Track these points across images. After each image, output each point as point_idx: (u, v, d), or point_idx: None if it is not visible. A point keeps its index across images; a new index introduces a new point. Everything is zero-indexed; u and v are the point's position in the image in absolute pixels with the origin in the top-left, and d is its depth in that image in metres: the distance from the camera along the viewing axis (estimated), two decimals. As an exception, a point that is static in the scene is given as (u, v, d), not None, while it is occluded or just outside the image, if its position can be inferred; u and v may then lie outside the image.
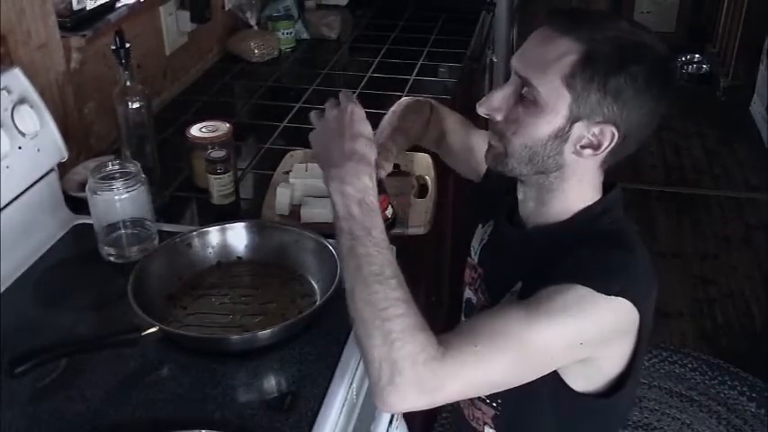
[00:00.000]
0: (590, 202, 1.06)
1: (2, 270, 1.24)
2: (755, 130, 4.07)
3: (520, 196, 1.11)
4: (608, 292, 0.94)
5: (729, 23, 4.41)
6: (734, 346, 2.67)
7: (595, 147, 1.00)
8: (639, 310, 0.97)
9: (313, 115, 1.06)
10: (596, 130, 0.99)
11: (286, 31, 2.40)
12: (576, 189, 1.05)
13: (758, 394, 2.45)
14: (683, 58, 4.72)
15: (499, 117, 1.03)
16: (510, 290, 1.06)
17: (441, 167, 1.60)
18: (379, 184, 1.14)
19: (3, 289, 1.24)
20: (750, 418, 2.37)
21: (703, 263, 3.11)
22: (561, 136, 0.99)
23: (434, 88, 2.09)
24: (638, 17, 4.88)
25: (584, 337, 0.95)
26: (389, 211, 1.16)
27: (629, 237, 1.04)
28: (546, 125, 0.99)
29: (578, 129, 0.99)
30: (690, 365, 2.57)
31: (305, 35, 2.50)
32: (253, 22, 2.31)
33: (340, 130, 1.00)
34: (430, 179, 1.56)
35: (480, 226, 1.24)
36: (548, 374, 0.98)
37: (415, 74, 2.20)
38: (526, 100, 1.00)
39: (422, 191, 1.53)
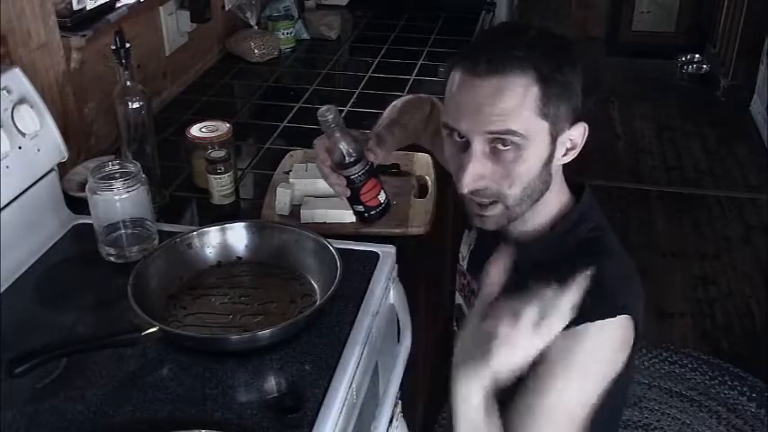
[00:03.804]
0: (563, 201, 1.07)
1: (2, 270, 1.24)
2: (755, 130, 4.06)
3: None
4: (614, 313, 0.96)
5: (729, 23, 4.41)
6: (734, 346, 2.67)
7: (574, 147, 1.03)
8: (635, 318, 1.00)
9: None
10: (571, 134, 1.01)
11: (286, 31, 2.40)
12: (554, 192, 1.06)
13: (758, 394, 2.45)
14: (683, 58, 4.72)
15: (483, 184, 1.00)
16: None
17: (441, 167, 1.60)
18: (371, 169, 1.15)
19: (3, 289, 1.24)
20: (750, 418, 2.37)
21: (703, 263, 3.11)
22: (549, 158, 1.01)
23: (434, 88, 2.08)
24: (638, 17, 4.89)
25: (612, 362, 0.99)
26: (382, 196, 1.18)
27: (610, 241, 1.06)
28: (535, 161, 0.99)
29: (560, 143, 1.01)
30: (690, 365, 2.57)
31: (305, 35, 2.50)
32: (253, 22, 2.31)
33: None
34: (430, 179, 1.56)
35: (467, 231, 1.24)
36: None
37: (414, 74, 2.20)
38: (505, 151, 0.98)
39: (422, 191, 1.54)
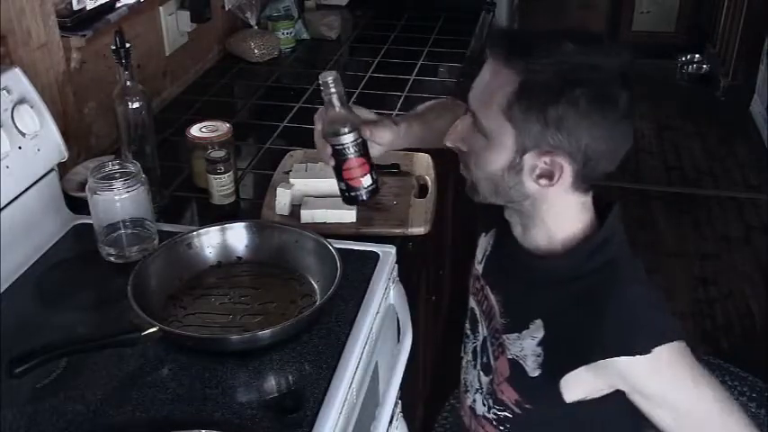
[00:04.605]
0: (579, 228, 1.04)
1: (2, 270, 1.24)
2: (755, 130, 4.06)
3: (507, 218, 1.10)
4: (668, 339, 0.97)
5: (729, 23, 4.41)
6: (734, 346, 2.67)
7: (550, 176, 0.97)
8: (679, 335, 1.00)
9: None
10: (546, 159, 0.96)
11: (286, 31, 2.40)
12: (552, 217, 1.03)
13: (758, 394, 2.45)
14: (683, 58, 4.72)
15: (464, 148, 1.04)
16: (528, 323, 1.06)
17: (440, 167, 1.60)
18: (361, 147, 1.13)
19: (3, 289, 1.24)
20: (750, 418, 2.37)
21: (703, 263, 3.11)
22: (514, 167, 0.98)
23: (434, 88, 2.09)
24: (638, 17, 4.89)
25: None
26: (366, 180, 1.13)
27: (628, 268, 1.04)
28: (496, 157, 0.99)
29: (529, 159, 0.97)
30: (690, 365, 2.57)
31: (305, 35, 2.50)
32: (253, 22, 2.31)
33: None
34: (430, 179, 1.56)
35: (483, 234, 1.23)
36: (574, 404, 1.03)
37: (414, 74, 2.20)
38: (477, 134, 1.00)
39: (422, 191, 1.53)
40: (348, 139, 1.11)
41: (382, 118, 1.21)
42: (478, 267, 1.21)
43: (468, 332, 1.24)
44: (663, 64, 4.69)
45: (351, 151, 1.12)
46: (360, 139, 1.12)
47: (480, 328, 1.19)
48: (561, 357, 1.01)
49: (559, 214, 1.03)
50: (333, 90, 1.11)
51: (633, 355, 0.95)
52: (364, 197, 1.16)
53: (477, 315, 1.20)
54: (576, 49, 0.94)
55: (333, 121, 1.11)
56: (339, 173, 1.14)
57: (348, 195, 1.17)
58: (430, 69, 2.24)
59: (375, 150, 1.17)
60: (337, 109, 1.11)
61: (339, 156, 1.12)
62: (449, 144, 1.06)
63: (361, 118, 1.16)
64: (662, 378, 0.98)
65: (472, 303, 1.23)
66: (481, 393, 1.17)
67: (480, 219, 1.25)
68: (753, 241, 3.24)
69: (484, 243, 1.22)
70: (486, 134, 0.98)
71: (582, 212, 1.04)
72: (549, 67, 0.93)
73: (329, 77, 1.10)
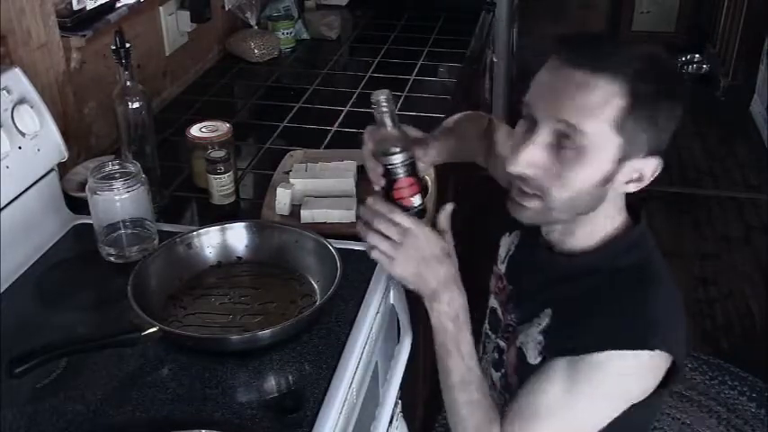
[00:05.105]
0: (617, 224, 1.04)
1: (2, 270, 1.24)
2: (755, 130, 4.06)
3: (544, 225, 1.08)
4: (651, 346, 0.96)
5: (729, 23, 4.41)
6: (734, 346, 2.67)
7: (640, 180, 0.98)
8: (674, 354, 0.98)
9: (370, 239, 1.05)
10: (641, 164, 0.96)
11: (286, 31, 2.40)
12: (601, 216, 1.03)
13: (758, 394, 2.45)
14: (683, 58, 4.71)
15: (534, 172, 0.96)
16: (538, 312, 1.06)
17: (441, 167, 1.60)
18: (412, 166, 1.11)
19: (3, 289, 1.24)
20: (750, 418, 2.37)
21: (703, 263, 3.11)
22: (608, 178, 0.96)
23: (434, 88, 2.09)
24: (638, 17, 4.89)
25: (631, 397, 0.99)
26: (416, 200, 1.09)
27: (660, 272, 1.04)
28: (593, 172, 0.95)
29: (628, 166, 0.96)
30: (690, 365, 2.57)
31: (305, 35, 2.50)
32: (253, 22, 2.31)
33: (423, 257, 1.02)
34: (430, 179, 1.55)
35: (507, 234, 1.22)
36: None
37: (415, 74, 2.20)
38: (566, 150, 0.94)
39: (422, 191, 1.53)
40: (400, 158, 1.08)
41: (427, 136, 1.21)
42: (501, 267, 1.21)
43: (489, 332, 1.23)
44: (663, 64, 4.69)
45: (402, 171, 1.08)
46: (411, 159, 1.09)
47: (502, 326, 1.19)
48: (559, 344, 1.01)
49: (610, 211, 1.03)
50: (385, 109, 1.08)
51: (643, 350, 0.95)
52: (421, 215, 1.14)
53: (500, 314, 1.19)
54: (647, 47, 0.97)
55: (384, 139, 1.09)
56: (389, 193, 1.11)
57: None
58: (430, 69, 2.24)
59: (420, 167, 1.15)
60: (389, 128, 1.09)
61: (390, 176, 1.09)
62: (517, 172, 0.97)
63: (411, 137, 1.15)
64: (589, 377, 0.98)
65: (493, 303, 1.22)
66: (495, 390, 1.18)
67: (504, 218, 1.24)
68: (753, 241, 3.24)
69: (507, 243, 1.21)
70: (584, 148, 0.93)
71: (623, 208, 1.06)
72: (646, 69, 0.93)
73: (381, 96, 1.08)
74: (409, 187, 1.09)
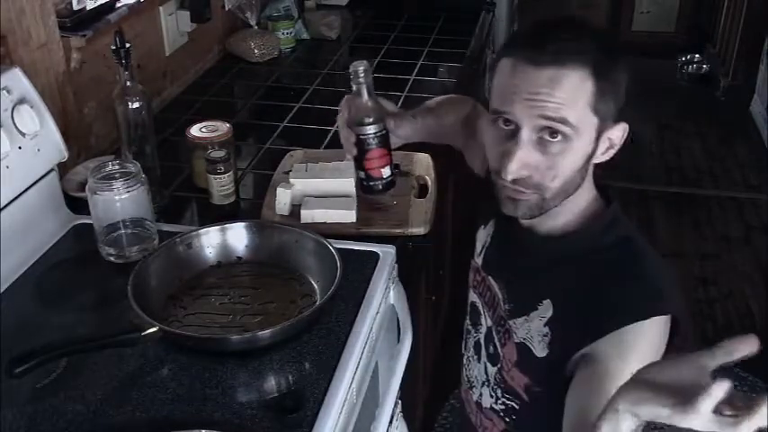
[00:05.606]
0: (590, 200, 1.06)
1: (2, 270, 1.24)
2: (755, 130, 4.06)
3: None
4: (663, 311, 0.97)
5: (729, 23, 4.41)
6: (734, 347, 2.67)
7: (611, 146, 1.03)
8: (679, 317, 0.99)
9: None
10: (612, 132, 1.01)
11: (286, 31, 2.40)
12: (585, 189, 1.05)
13: (758, 394, 2.44)
14: (683, 58, 4.72)
15: (528, 171, 0.98)
16: (536, 305, 1.06)
17: (440, 167, 1.60)
18: (385, 138, 1.13)
19: (3, 289, 1.24)
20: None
21: (703, 263, 3.11)
22: (591, 154, 1.01)
23: (434, 88, 2.09)
24: (638, 17, 4.89)
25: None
26: (386, 171, 1.14)
27: (643, 242, 1.06)
28: (581, 153, 0.99)
29: (604, 138, 1.01)
30: (690, 365, 2.57)
31: (305, 35, 2.50)
32: (253, 22, 2.31)
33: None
34: (430, 179, 1.56)
35: (482, 227, 1.23)
36: None
37: (414, 74, 2.20)
38: (552, 143, 0.96)
39: (422, 191, 1.54)
40: (373, 129, 1.12)
41: (403, 111, 1.22)
42: (478, 260, 1.22)
43: (470, 327, 1.24)
44: (663, 64, 4.69)
45: (374, 142, 1.12)
46: (384, 131, 1.13)
47: (483, 319, 1.19)
48: (571, 333, 1.00)
49: (584, 187, 1.05)
50: (362, 80, 1.11)
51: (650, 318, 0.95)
52: (381, 188, 1.18)
53: (480, 307, 1.20)
54: (589, 23, 1.01)
55: (360, 110, 1.12)
56: (360, 162, 1.14)
57: (367, 185, 1.18)
58: (430, 69, 2.25)
59: (393, 142, 1.18)
60: (365, 99, 1.12)
61: (362, 145, 1.13)
62: (511, 178, 0.98)
63: (386, 109, 1.16)
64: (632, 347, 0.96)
65: (473, 297, 1.23)
66: (488, 386, 1.17)
67: (479, 209, 1.24)
68: (753, 241, 3.24)
69: (483, 235, 1.22)
70: (570, 136, 0.96)
71: (593, 185, 1.07)
72: (599, 46, 0.97)
73: (360, 67, 1.10)
74: (380, 158, 1.13)
